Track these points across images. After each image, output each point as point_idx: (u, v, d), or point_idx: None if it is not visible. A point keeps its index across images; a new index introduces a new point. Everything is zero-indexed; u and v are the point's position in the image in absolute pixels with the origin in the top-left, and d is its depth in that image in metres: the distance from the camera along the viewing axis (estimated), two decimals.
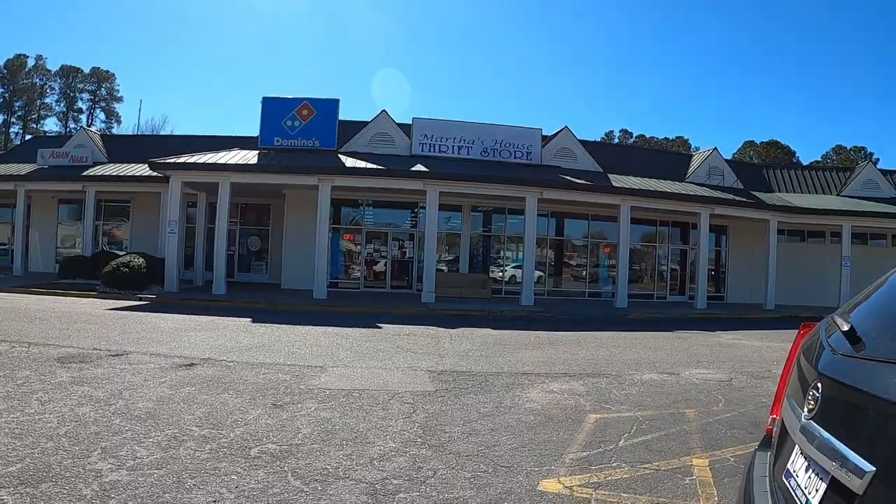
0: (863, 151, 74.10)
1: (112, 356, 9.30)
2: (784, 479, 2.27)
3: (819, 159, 73.12)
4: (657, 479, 5.09)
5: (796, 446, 2.25)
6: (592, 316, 20.20)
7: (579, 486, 4.89)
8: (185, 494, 4.35)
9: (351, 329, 14.20)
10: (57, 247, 28.71)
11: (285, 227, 25.19)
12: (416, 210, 25.55)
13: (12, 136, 70.39)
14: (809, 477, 2.06)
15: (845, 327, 2.23)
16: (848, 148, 76.18)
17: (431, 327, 15.22)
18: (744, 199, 25.82)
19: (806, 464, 2.12)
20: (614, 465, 5.44)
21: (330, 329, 13.99)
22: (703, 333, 16.36)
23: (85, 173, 25.73)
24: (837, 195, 29.79)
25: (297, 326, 14.09)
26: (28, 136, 59.44)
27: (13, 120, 72.89)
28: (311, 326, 14.20)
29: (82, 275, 22.26)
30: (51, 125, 74.79)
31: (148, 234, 25.97)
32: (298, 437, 5.81)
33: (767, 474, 2.55)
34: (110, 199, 27.53)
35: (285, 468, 4.98)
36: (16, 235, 26.68)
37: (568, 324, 17.37)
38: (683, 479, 5.14)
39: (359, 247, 25.80)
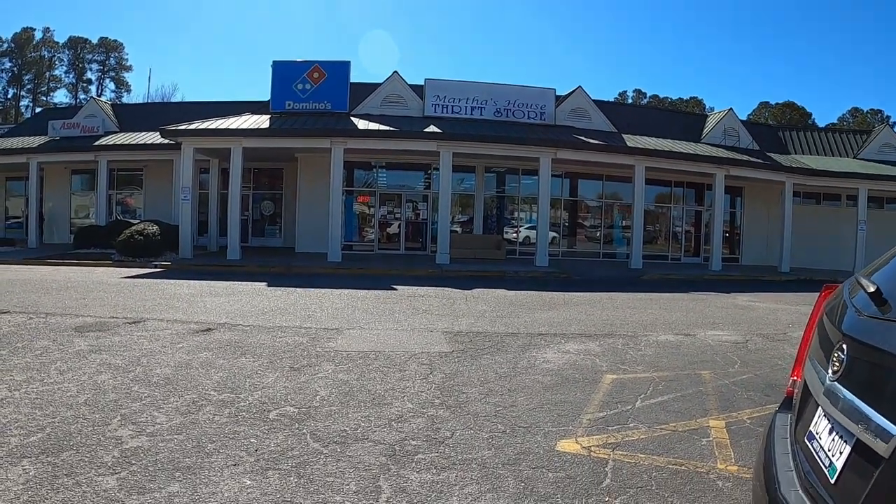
0: (880, 114, 72.88)
1: (129, 324, 9.38)
2: (806, 441, 2.25)
3: (835, 122, 72.04)
4: (674, 441, 5.10)
5: (819, 408, 2.22)
6: (607, 277, 20.17)
7: (597, 446, 4.90)
8: (205, 458, 4.40)
9: (366, 291, 14.26)
10: (71, 218, 28.87)
11: (298, 191, 25.18)
12: (429, 171, 25.43)
13: (22, 109, 70.45)
14: (833, 439, 2.03)
15: (871, 288, 2.18)
16: (864, 111, 74.98)
17: (446, 288, 15.26)
18: (760, 161, 25.49)
19: (829, 426, 2.10)
20: (631, 425, 5.44)
21: (345, 291, 14.06)
22: (718, 295, 16.29)
23: (96, 143, 25.73)
24: (854, 158, 29.32)
25: (313, 289, 14.17)
26: (38, 109, 59.44)
27: (23, 93, 72.95)
28: (327, 289, 14.27)
29: (97, 244, 22.42)
30: (61, 97, 74.85)
31: (161, 201, 26.07)
32: (316, 400, 5.86)
33: (788, 436, 2.53)
34: (123, 168, 27.57)
35: (304, 431, 5.03)
36: (30, 208, 26.80)
37: (582, 285, 17.37)
38: (700, 440, 5.14)
39: (372, 209, 25.80)
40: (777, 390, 6.64)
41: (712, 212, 25.13)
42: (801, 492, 2.11)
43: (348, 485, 4.10)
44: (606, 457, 4.67)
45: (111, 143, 25.78)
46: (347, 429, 5.12)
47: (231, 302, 12.05)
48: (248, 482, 4.08)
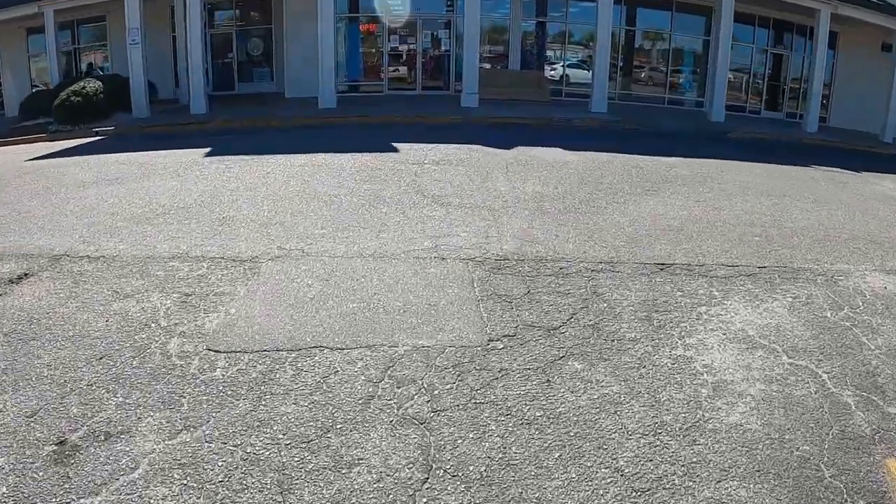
0: None
1: None
2: None
3: None
4: None
5: None
6: (685, 131, 15.40)
7: None
8: None
9: (349, 156, 9.56)
10: (32, 84, 24.17)
11: (285, 24, 20.24)
12: None
13: None
14: None
15: None
16: None
17: (474, 146, 10.55)
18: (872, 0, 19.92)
19: None
20: None
21: (317, 158, 9.40)
22: (850, 175, 11.23)
23: None
24: None
25: (270, 157, 9.56)
26: None
27: None
28: (291, 155, 9.62)
29: (45, 113, 17.72)
30: None
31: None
32: None
33: None
34: (83, 20, 22.56)
35: None
36: None
37: (661, 142, 12.53)
38: None
39: (381, 41, 20.64)
40: None
41: (812, 60, 19.79)
42: None
43: None
44: None
45: None
46: None
47: (123, 194, 7.41)
48: None
